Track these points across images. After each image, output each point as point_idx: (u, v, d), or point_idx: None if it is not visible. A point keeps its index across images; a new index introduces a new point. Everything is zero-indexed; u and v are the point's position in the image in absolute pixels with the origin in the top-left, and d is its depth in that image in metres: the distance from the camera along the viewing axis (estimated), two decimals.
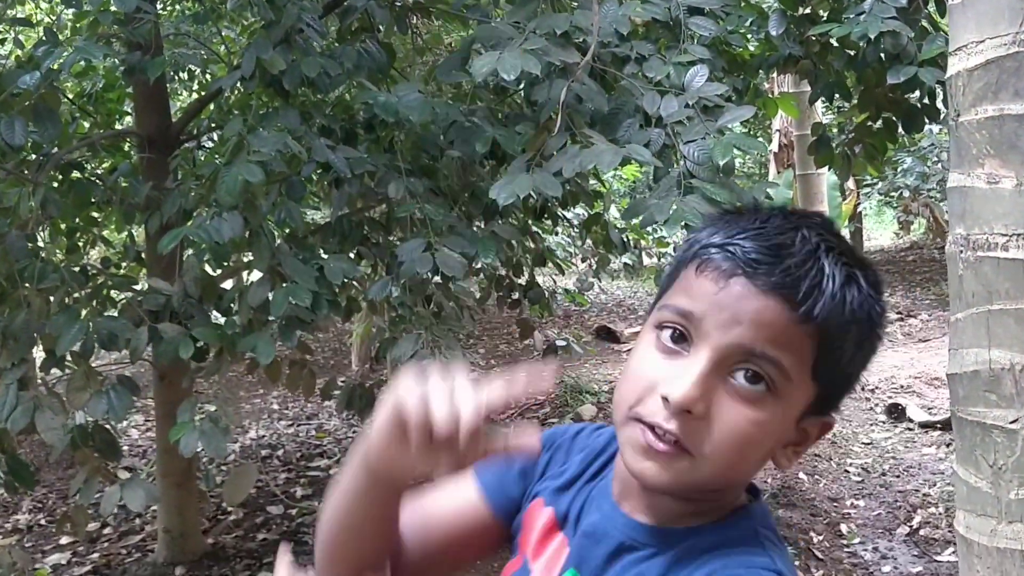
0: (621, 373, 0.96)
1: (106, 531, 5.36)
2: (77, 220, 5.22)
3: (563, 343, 5.66)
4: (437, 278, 4.70)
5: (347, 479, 1.01)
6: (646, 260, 13.49)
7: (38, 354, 3.84)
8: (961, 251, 1.70)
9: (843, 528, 4.59)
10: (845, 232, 14.68)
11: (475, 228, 4.11)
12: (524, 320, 5.68)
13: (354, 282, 4.74)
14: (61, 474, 6.51)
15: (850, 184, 12.04)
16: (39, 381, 3.81)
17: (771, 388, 0.87)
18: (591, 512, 1.03)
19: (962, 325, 1.71)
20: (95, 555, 4.98)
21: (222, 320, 4.01)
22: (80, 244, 5.45)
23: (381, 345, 4.17)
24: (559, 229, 8.43)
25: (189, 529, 4.82)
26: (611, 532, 0.99)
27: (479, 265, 5.79)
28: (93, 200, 4.70)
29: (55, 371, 3.75)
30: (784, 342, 0.86)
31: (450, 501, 1.11)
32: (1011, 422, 1.62)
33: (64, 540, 5.21)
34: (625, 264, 7.08)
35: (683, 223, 3.14)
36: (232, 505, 5.32)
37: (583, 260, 7.90)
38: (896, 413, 6.45)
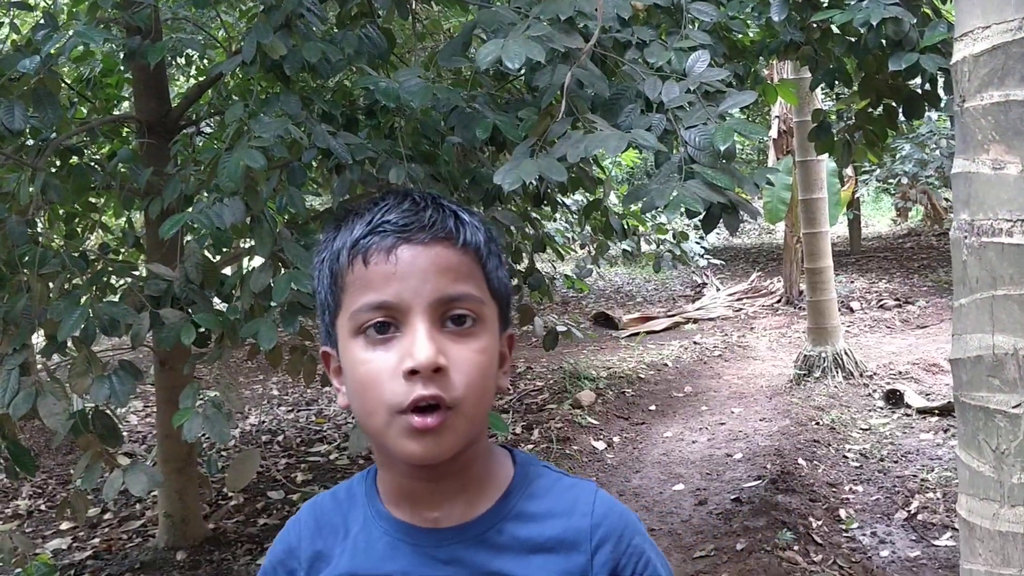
0: (351, 392, 1.00)
1: (106, 516, 5.37)
2: (76, 206, 5.22)
3: (563, 328, 5.66)
4: None
5: None
6: (644, 247, 13.51)
7: (39, 340, 3.84)
8: (965, 237, 1.70)
9: (842, 513, 4.61)
10: (843, 219, 14.70)
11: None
12: (524, 306, 5.68)
13: None
14: (61, 460, 6.53)
15: (848, 171, 12.03)
16: (40, 367, 3.81)
17: (476, 318, 0.97)
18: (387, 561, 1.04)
19: (966, 311, 1.71)
20: (96, 540, 4.99)
21: (223, 306, 4.02)
22: (79, 230, 5.45)
23: None
24: (558, 215, 8.44)
25: (190, 514, 4.83)
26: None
27: None
28: (93, 186, 4.69)
29: (56, 357, 3.75)
30: (465, 274, 0.98)
31: None
32: (1014, 407, 1.63)
33: (64, 525, 5.23)
34: (624, 250, 7.08)
35: (683, 208, 3.14)
36: (234, 491, 5.33)
37: (582, 246, 7.89)
38: (894, 399, 6.48)
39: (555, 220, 9.55)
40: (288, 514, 5.10)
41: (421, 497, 1.02)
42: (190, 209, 3.68)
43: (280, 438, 6.86)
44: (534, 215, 6.04)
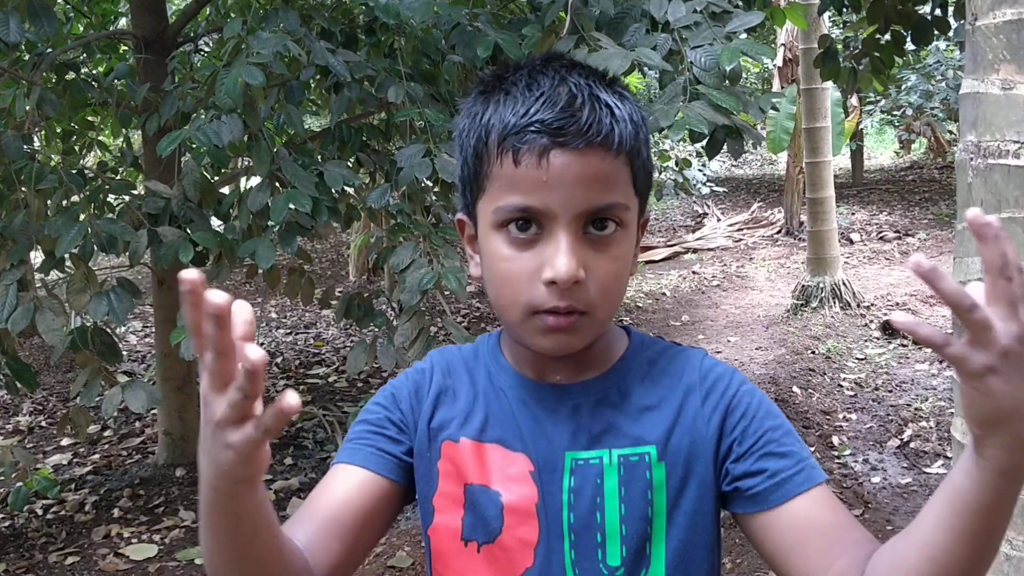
0: (488, 279, 1.00)
1: (107, 434, 5.43)
2: (73, 123, 5.17)
3: None
4: (436, 189, 4.69)
5: (206, 530, 0.89)
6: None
7: (36, 257, 3.84)
8: (971, 158, 1.68)
9: (835, 440, 4.66)
10: (846, 150, 14.61)
11: None
12: None
13: (353, 189, 4.72)
14: (61, 378, 6.58)
15: (853, 101, 11.91)
16: (38, 284, 3.81)
17: (619, 224, 0.97)
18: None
19: (968, 234, 1.70)
20: (96, 456, 5.05)
21: (222, 225, 4.00)
22: (77, 148, 5.41)
23: (380, 254, 4.16)
24: None
25: (189, 432, 4.88)
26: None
27: None
28: (89, 102, 4.64)
29: (54, 274, 3.75)
30: (615, 182, 0.96)
31: (343, 495, 1.04)
32: None
33: (65, 442, 5.29)
34: None
35: (688, 129, 3.11)
36: None
37: None
38: (890, 330, 6.50)
39: None
40: (287, 435, 5.16)
41: (547, 362, 1.04)
42: (187, 127, 3.64)
43: (279, 360, 6.90)
44: None
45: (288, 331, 7.90)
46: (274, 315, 8.55)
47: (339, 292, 6.77)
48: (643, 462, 1.02)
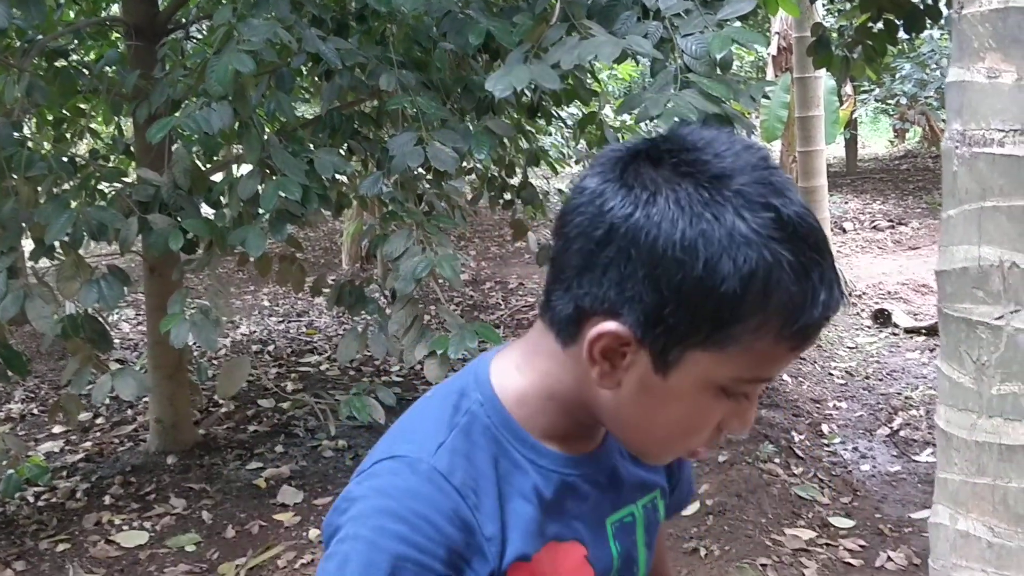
0: (657, 410, 0.84)
1: (98, 421, 5.42)
2: (64, 110, 5.15)
3: None
4: (429, 177, 4.69)
5: None
6: None
7: (26, 245, 3.83)
8: (957, 147, 1.68)
9: (824, 428, 4.67)
10: (840, 139, 14.61)
11: (468, 124, 4.06)
12: (518, 221, 5.65)
13: (345, 177, 4.71)
14: (53, 365, 6.57)
15: (847, 90, 11.90)
16: (29, 271, 3.80)
17: None
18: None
19: (954, 222, 1.70)
20: (87, 444, 5.05)
21: (213, 213, 3.99)
22: (68, 135, 5.39)
23: (372, 242, 4.16)
24: (552, 129, 8.36)
25: (181, 420, 4.88)
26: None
27: (472, 164, 5.77)
28: (80, 89, 4.62)
29: (44, 261, 3.74)
30: None
31: None
32: (996, 318, 1.63)
33: (57, 429, 5.28)
34: None
35: (677, 119, 3.10)
36: (224, 398, 5.37)
37: (577, 162, 7.82)
38: (882, 318, 6.51)
39: (551, 135, 9.47)
40: (278, 422, 5.16)
41: (582, 433, 0.94)
42: (178, 114, 3.63)
43: (271, 348, 6.89)
44: (528, 128, 5.98)
45: (280, 319, 7.89)
46: (266, 303, 8.54)
47: (332, 280, 6.77)
48: (654, 505, 1.02)
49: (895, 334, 6.23)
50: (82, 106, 5.34)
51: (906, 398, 5.04)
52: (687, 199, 0.76)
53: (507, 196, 5.67)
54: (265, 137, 3.79)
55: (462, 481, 0.86)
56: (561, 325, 0.85)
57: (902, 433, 4.58)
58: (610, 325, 0.80)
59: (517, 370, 0.92)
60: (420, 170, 4.18)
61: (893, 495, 3.96)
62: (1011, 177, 1.60)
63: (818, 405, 5.02)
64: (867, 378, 5.46)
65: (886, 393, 5.17)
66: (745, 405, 0.84)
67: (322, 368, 6.31)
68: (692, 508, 3.94)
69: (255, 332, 7.44)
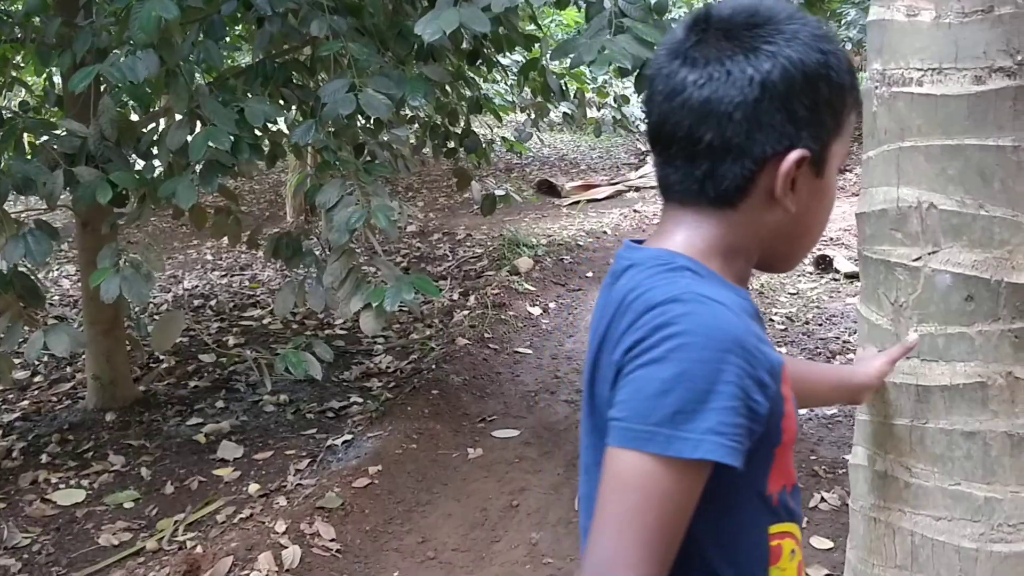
0: (817, 211, 1.13)
1: (36, 379, 5.32)
2: None
3: (501, 192, 5.59)
4: (369, 126, 4.61)
5: None
6: (591, 113, 13.28)
7: None
8: (876, 87, 1.67)
9: None
10: None
11: (404, 70, 3.99)
12: (461, 169, 5.60)
13: (284, 126, 4.62)
14: None
15: None
16: None
17: None
18: None
19: (873, 163, 1.69)
20: (24, 403, 4.95)
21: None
22: None
23: (307, 192, 4.08)
24: (498, 77, 8.26)
25: (119, 376, 4.80)
26: None
27: (411, 112, 5.69)
28: (3, 38, 4.46)
29: None
30: None
31: None
32: (914, 260, 1.63)
33: None
34: (565, 114, 6.96)
35: (611, 64, 3.07)
36: (160, 352, 5.30)
37: (523, 109, 7.74)
38: (823, 264, 6.57)
39: (497, 82, 9.36)
40: (219, 378, 5.11)
41: (743, 283, 1.13)
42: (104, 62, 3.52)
43: (213, 302, 6.80)
44: (471, 75, 5.90)
45: (223, 273, 7.78)
46: (209, 257, 8.41)
47: (272, 232, 6.67)
48: None
49: (836, 280, 6.30)
50: (7, 56, 5.16)
51: (844, 342, 5.10)
52: (794, 42, 1.03)
53: (450, 144, 5.61)
54: (194, 86, 3.70)
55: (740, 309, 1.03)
56: (728, 192, 1.05)
57: None
58: (795, 154, 1.03)
59: (691, 246, 1.07)
60: (361, 119, 4.12)
61: (829, 437, 4.02)
62: (929, 117, 1.59)
63: None
64: (807, 323, 5.51)
65: (825, 338, 5.23)
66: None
67: (265, 322, 6.24)
68: None
69: (197, 287, 7.33)
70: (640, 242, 1.15)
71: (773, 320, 5.57)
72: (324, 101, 3.50)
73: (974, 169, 1.57)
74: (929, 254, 1.62)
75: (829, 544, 3.21)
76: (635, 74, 3.97)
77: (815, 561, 3.08)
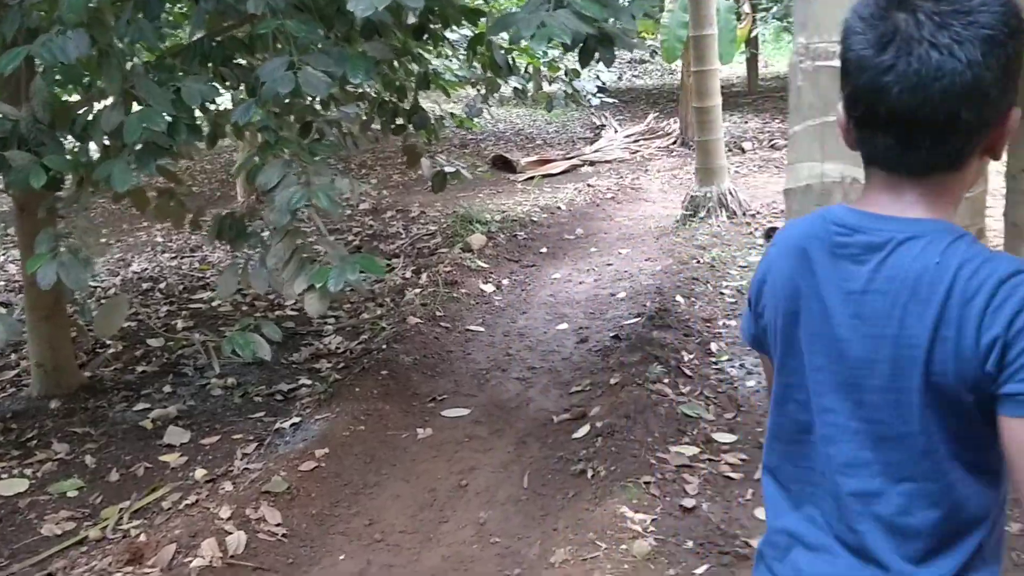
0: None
1: None
2: None
3: (452, 169, 5.54)
4: (317, 103, 4.55)
5: None
6: (546, 87, 13.24)
7: None
8: (801, 61, 1.66)
9: (713, 347, 4.74)
10: (741, 58, 14.65)
11: (346, 48, 3.92)
12: (411, 146, 5.55)
13: (231, 105, 4.54)
14: None
15: (746, 8, 11.91)
16: None
17: None
18: None
19: (798, 138, 1.69)
20: None
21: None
22: None
23: (249, 173, 4.02)
24: (448, 52, 8.20)
25: (63, 363, 4.72)
26: None
27: (359, 89, 5.62)
28: None
29: None
30: None
31: None
32: None
33: None
34: (515, 89, 6.91)
35: (551, 39, 3.04)
36: (103, 338, 5.22)
37: (474, 84, 7.68)
38: (772, 236, 6.60)
39: (448, 57, 9.28)
40: (167, 362, 5.04)
41: None
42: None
43: (162, 285, 6.70)
44: (419, 50, 5.84)
45: (173, 255, 7.67)
46: (160, 239, 8.29)
47: (217, 214, 6.57)
48: None
49: None
50: None
51: None
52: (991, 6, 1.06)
53: (399, 121, 5.55)
54: (130, 66, 3.62)
55: None
56: (953, 158, 1.11)
57: None
58: (1016, 114, 1.12)
59: (942, 211, 1.14)
60: (310, 97, 4.04)
61: None
62: None
63: (708, 324, 5.09)
64: None
65: None
66: None
67: (215, 305, 6.16)
68: (582, 431, 3.99)
69: (147, 269, 7.22)
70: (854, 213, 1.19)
71: (724, 293, 5.60)
72: (262, 80, 3.44)
73: None
74: None
75: None
76: (580, 48, 3.95)
77: None
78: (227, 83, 4.30)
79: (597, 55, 3.79)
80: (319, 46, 3.69)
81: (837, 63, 1.64)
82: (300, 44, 3.51)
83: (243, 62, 4.38)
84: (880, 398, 1.13)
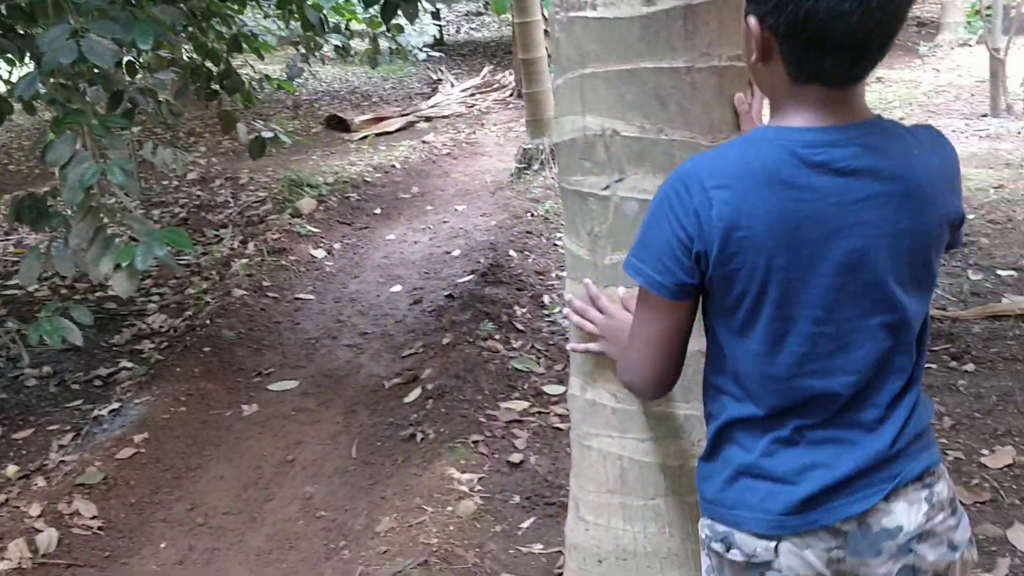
0: None
1: None
2: None
3: (270, 135, 5.36)
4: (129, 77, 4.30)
5: None
6: (364, 44, 12.95)
7: None
8: (556, 12, 1.63)
9: (545, 299, 4.77)
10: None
11: (133, 12, 3.71)
12: (226, 112, 5.33)
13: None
14: None
15: None
16: None
17: None
18: None
19: (561, 92, 1.67)
20: None
21: None
22: None
23: (42, 150, 3.78)
24: (261, 13, 7.93)
25: None
26: None
27: (171, 54, 5.38)
28: None
29: None
30: None
31: None
32: (603, 189, 1.62)
33: None
34: (336, 47, 6.72)
35: None
36: None
37: (295, 43, 7.44)
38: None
39: (268, 16, 8.96)
40: None
41: None
42: None
43: None
44: (229, 12, 5.61)
45: None
46: None
47: (14, 195, 6.19)
48: None
49: None
50: None
51: None
52: None
53: (213, 86, 5.33)
54: None
55: None
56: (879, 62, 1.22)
57: None
58: None
59: None
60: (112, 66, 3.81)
61: None
62: (604, 41, 1.57)
63: (541, 277, 5.12)
64: None
65: None
66: None
67: (31, 290, 5.82)
68: (413, 395, 3.95)
69: None
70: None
71: (557, 245, 5.64)
72: (43, 50, 3.22)
73: (651, 93, 1.57)
74: (616, 182, 1.62)
75: None
76: (383, 4, 3.85)
77: None
78: (8, 55, 4.02)
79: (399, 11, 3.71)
80: (103, 12, 3.48)
81: (588, 13, 1.63)
82: (83, 10, 3.30)
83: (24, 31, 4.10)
84: (904, 300, 1.26)
